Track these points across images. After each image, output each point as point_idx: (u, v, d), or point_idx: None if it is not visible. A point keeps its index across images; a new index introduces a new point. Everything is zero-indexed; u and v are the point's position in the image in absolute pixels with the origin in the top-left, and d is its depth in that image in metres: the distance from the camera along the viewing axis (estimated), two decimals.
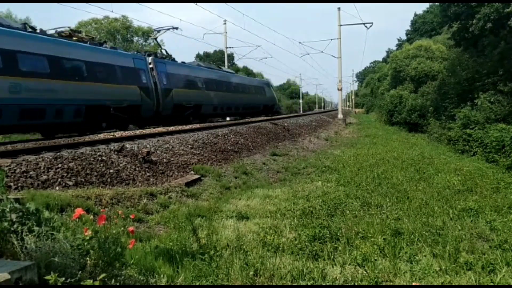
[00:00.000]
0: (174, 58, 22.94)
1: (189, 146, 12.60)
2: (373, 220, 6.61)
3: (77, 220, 3.64)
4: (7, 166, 7.11)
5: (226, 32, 36.18)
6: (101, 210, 5.90)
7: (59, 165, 7.90)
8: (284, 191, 9.32)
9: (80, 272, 2.82)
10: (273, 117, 29.77)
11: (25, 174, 7.15)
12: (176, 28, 23.41)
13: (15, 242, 2.84)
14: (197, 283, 4.12)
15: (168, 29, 23.49)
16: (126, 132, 15.03)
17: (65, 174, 7.71)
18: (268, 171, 12.86)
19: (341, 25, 37.45)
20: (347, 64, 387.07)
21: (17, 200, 3.08)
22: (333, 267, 4.79)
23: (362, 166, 12.82)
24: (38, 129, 15.14)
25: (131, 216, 4.26)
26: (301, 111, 71.65)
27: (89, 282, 2.57)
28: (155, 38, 27.34)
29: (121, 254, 3.15)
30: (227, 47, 37.66)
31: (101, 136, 13.01)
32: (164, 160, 10.65)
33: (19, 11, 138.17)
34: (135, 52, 22.03)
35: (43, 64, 13.10)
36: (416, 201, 8.04)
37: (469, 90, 20.45)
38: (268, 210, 7.44)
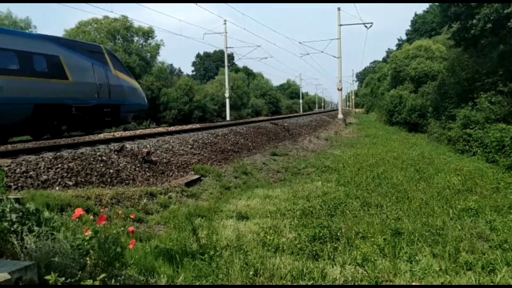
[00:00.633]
0: None
1: (189, 146, 12.60)
2: (373, 220, 6.61)
3: (77, 220, 3.65)
4: (7, 166, 7.11)
5: (226, 32, 36.13)
6: (101, 210, 5.91)
7: (59, 165, 7.90)
8: (284, 191, 9.32)
9: (80, 272, 2.82)
10: (273, 117, 29.43)
11: (25, 174, 7.16)
12: None
13: (15, 242, 2.84)
14: (197, 283, 4.12)
15: None
16: (126, 132, 15.02)
17: (65, 174, 7.72)
18: (268, 171, 12.86)
19: (341, 25, 37.39)
20: (347, 64, 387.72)
21: (17, 200, 3.07)
22: (333, 267, 4.79)
23: (362, 166, 12.83)
24: None
25: (131, 216, 4.27)
26: (301, 111, 71.76)
27: (89, 282, 2.57)
28: None
29: (121, 254, 3.15)
30: (227, 47, 37.58)
31: (101, 136, 13.01)
32: (164, 160, 10.65)
33: (19, 11, 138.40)
34: None
35: None
36: (416, 201, 8.03)
37: (469, 90, 20.44)
38: (268, 210, 7.45)
